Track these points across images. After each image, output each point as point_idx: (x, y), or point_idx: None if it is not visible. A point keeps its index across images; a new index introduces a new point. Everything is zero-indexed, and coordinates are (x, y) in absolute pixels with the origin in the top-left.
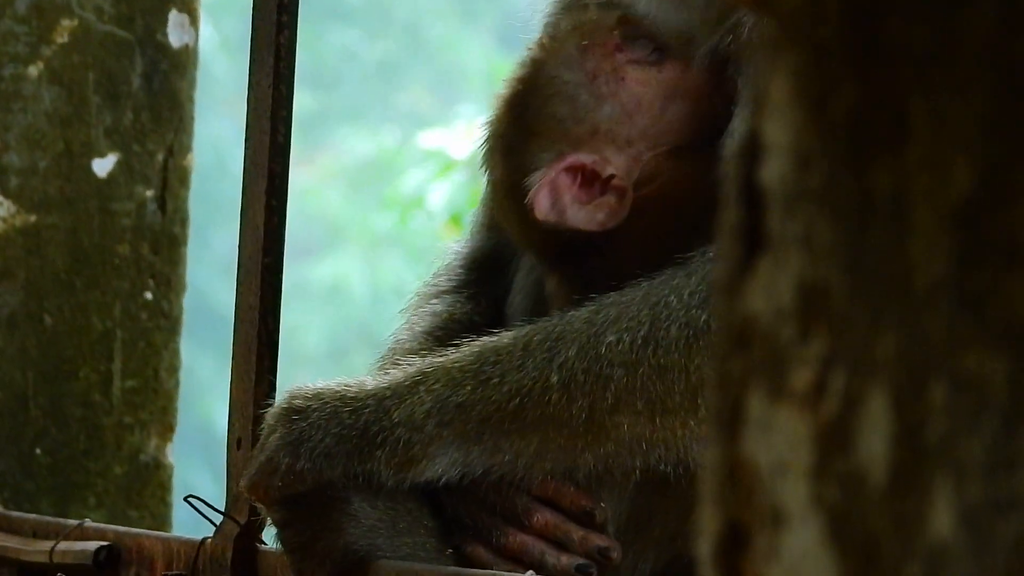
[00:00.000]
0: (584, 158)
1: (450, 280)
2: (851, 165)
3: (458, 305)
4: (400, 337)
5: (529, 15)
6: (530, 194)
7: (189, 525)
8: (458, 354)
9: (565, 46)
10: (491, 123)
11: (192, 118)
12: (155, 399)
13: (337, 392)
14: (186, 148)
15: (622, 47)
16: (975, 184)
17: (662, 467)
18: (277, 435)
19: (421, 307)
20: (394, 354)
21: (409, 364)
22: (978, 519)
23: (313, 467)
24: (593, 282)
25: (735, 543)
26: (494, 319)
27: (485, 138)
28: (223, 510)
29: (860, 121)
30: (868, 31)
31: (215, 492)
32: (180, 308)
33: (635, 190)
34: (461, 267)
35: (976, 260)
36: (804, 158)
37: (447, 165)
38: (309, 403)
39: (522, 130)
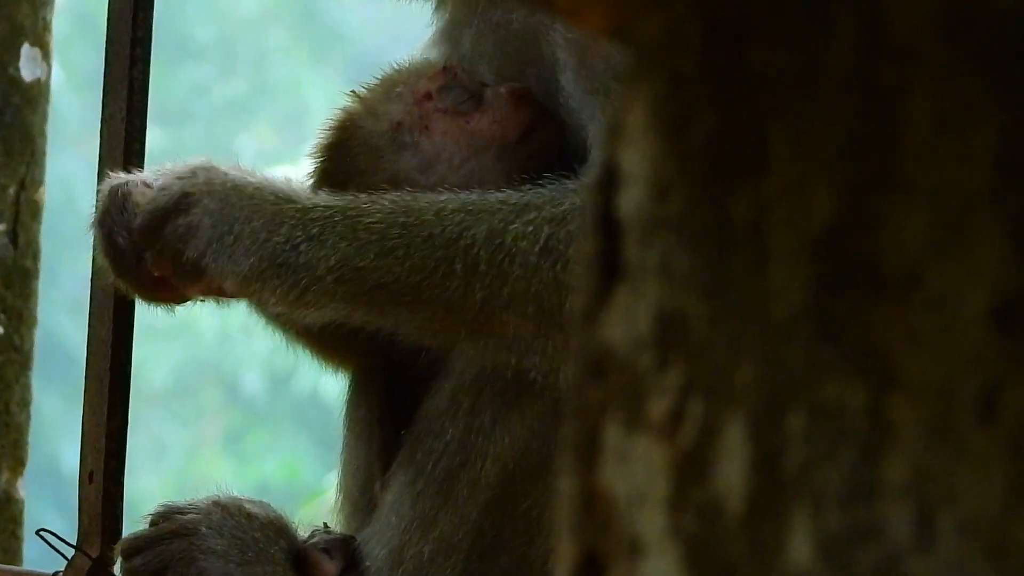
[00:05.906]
0: None
1: None
2: (710, 193)
3: None
4: None
5: (374, 55)
6: None
7: (40, 560)
8: (368, 204)
9: (377, 95)
10: (310, 171)
11: (44, 152)
12: (6, 433)
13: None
14: (38, 182)
15: (433, 95)
16: (835, 211)
17: (532, 375)
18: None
19: None
20: None
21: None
22: (836, 548)
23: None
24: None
25: (591, 573)
26: None
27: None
28: (75, 544)
29: (719, 149)
30: (728, 58)
31: (63, 528)
32: (32, 342)
33: None
34: None
35: (835, 288)
36: (662, 187)
37: None
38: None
39: (327, 179)
